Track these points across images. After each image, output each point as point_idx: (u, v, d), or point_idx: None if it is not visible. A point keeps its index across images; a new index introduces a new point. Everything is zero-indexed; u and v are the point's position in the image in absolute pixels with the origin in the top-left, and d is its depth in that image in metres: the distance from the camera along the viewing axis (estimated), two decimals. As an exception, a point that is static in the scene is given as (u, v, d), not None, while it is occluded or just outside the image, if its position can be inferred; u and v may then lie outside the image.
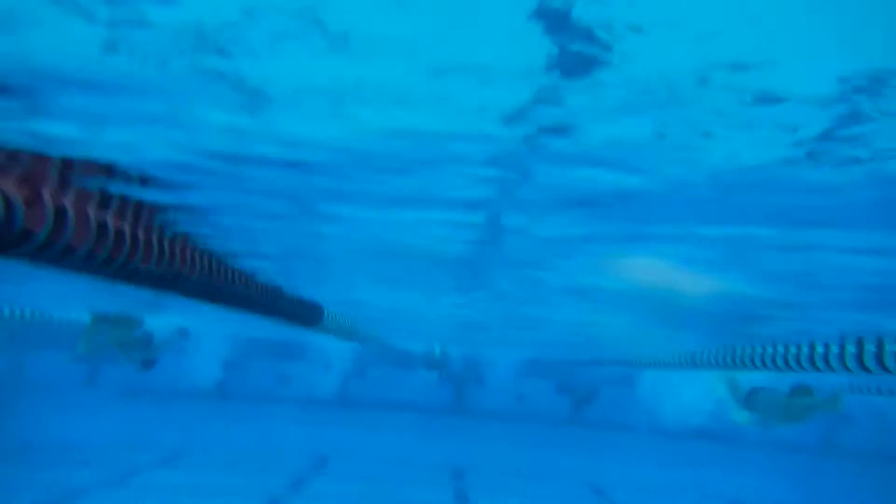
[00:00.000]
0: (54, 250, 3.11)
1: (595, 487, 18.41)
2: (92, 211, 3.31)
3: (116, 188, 3.78)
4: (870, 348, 6.67)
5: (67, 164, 3.22)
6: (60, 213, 3.04)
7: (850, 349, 6.70)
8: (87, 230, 3.30)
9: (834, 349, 6.91)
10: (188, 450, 18.46)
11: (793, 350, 7.61)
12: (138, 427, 18.39)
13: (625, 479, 18.37)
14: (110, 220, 3.51)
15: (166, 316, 14.22)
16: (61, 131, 3.16)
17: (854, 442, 19.47)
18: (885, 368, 6.30)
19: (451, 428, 20.46)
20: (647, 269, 5.80)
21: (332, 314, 9.85)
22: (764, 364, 8.37)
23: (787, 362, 7.59)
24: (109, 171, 3.57)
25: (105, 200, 3.62)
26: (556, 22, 2.21)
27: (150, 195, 4.07)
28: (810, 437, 18.61)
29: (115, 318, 12.08)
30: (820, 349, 7.11)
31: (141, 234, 3.81)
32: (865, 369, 6.68)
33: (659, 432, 19.03)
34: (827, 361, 6.96)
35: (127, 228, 3.65)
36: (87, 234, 3.32)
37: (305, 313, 8.23)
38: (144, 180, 3.76)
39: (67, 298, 12.71)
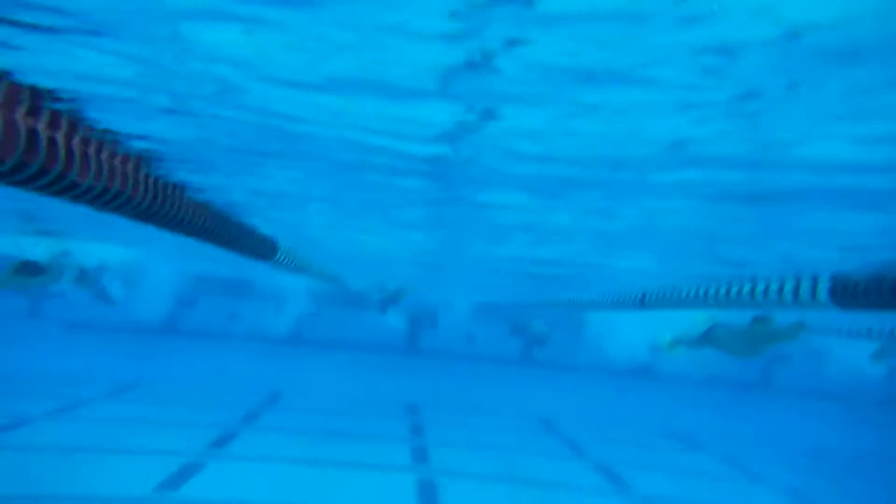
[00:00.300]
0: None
1: (544, 420, 19.07)
2: (21, 118, 3.12)
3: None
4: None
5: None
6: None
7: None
8: (15, 139, 3.11)
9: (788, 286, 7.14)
10: (137, 384, 18.33)
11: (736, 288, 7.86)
12: (84, 360, 18.13)
13: (572, 413, 19.08)
14: (42, 129, 3.31)
15: (114, 247, 13.87)
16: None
17: (789, 379, 20.54)
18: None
19: (406, 367, 20.77)
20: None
21: (286, 248, 9.73)
22: (708, 301, 8.64)
23: (731, 298, 7.83)
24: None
25: (36, 109, 3.40)
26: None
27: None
28: (749, 375, 19.57)
29: (37, 267, 11.61)
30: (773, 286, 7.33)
31: (77, 146, 3.62)
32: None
33: (605, 371, 19.69)
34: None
35: (60, 138, 3.46)
36: (15, 144, 3.13)
37: (258, 245, 8.10)
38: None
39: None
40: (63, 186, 3.75)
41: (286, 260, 9.90)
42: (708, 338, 9.51)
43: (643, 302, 11.46)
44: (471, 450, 14.66)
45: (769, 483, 14.83)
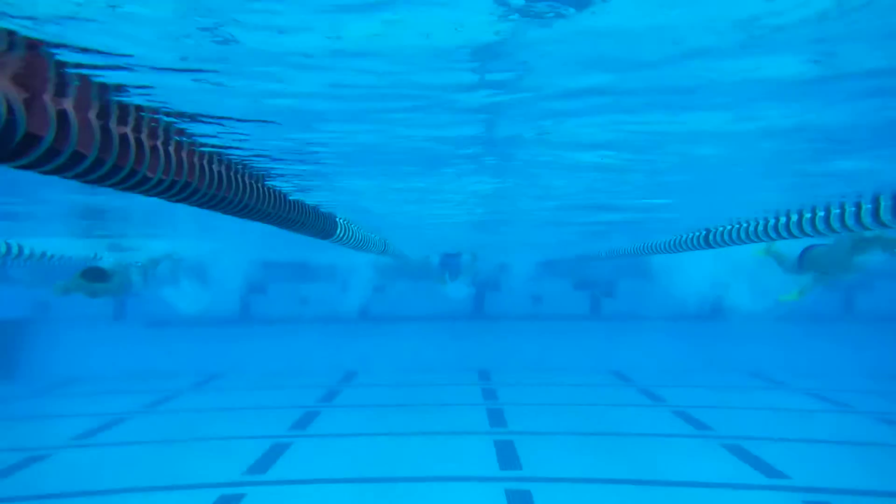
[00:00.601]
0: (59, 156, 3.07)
1: (619, 374, 18.98)
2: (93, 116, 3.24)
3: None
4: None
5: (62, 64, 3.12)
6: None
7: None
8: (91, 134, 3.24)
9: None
10: (219, 374, 19.10)
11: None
12: (168, 355, 19.02)
13: (645, 364, 18.93)
14: (112, 125, 3.44)
15: (180, 242, 14.34)
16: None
17: (873, 306, 19.73)
18: None
19: (473, 333, 20.94)
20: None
21: (346, 223, 9.86)
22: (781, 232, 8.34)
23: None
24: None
25: (105, 105, 3.53)
26: None
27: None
28: (828, 306, 18.88)
29: (100, 272, 11.71)
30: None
31: (146, 140, 3.75)
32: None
33: (676, 317, 19.37)
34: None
35: (130, 133, 3.59)
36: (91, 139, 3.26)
37: (317, 223, 8.23)
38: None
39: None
40: (136, 181, 3.90)
41: (346, 236, 10.02)
42: (803, 263, 9.06)
43: (707, 240, 11.18)
44: (546, 408, 14.74)
45: (861, 410, 14.41)
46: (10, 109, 2.47)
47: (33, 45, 2.95)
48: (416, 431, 12.42)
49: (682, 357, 19.17)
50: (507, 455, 10.74)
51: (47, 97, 2.92)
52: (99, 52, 3.15)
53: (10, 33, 2.81)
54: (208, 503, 8.60)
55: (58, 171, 3.24)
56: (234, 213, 5.85)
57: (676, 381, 17.69)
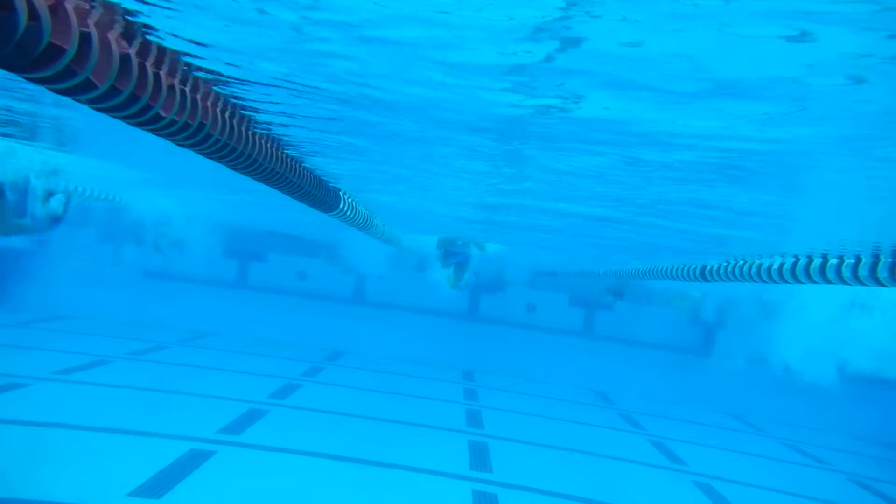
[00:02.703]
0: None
1: (599, 393, 18.98)
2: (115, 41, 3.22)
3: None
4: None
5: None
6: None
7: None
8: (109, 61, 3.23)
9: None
10: (209, 333, 19.15)
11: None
12: (160, 307, 19.12)
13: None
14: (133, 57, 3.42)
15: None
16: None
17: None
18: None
19: (465, 333, 20.98)
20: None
21: (351, 202, 9.83)
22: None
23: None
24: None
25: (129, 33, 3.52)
26: None
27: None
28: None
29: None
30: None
31: (164, 78, 3.74)
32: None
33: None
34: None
35: (149, 69, 3.58)
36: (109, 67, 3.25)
37: (321, 194, 8.18)
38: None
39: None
40: (149, 117, 3.89)
41: (350, 214, 9.98)
42: None
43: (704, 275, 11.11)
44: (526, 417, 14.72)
45: None
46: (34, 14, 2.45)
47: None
48: (393, 419, 12.42)
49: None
50: (480, 456, 10.75)
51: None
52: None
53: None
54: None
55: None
56: (241, 170, 5.84)
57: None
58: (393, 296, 21.45)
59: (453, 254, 15.83)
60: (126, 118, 3.80)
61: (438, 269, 17.45)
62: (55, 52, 2.72)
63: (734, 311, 19.13)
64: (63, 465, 7.67)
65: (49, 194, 11.38)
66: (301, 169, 7.32)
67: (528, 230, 12.54)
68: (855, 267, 6.76)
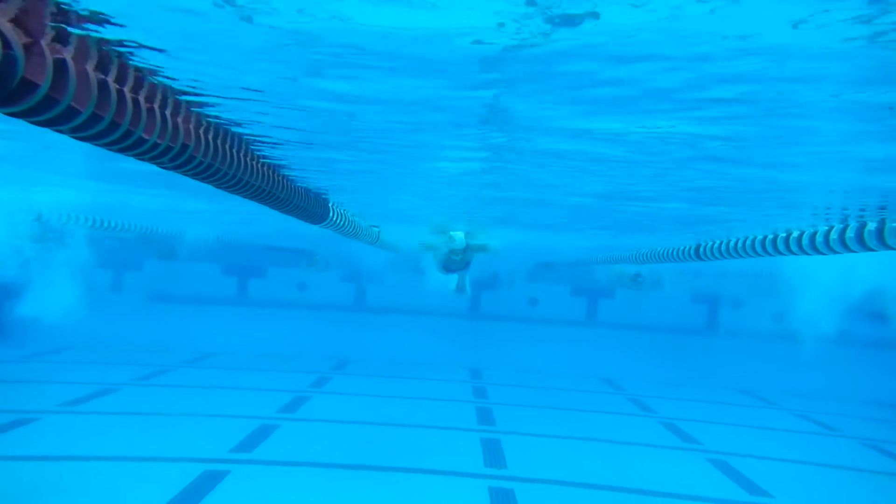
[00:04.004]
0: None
1: (607, 380, 19.00)
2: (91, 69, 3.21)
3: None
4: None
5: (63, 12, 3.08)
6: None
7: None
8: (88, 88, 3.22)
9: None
10: (213, 352, 19.11)
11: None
12: (163, 330, 19.08)
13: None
14: (111, 82, 3.41)
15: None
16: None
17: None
18: None
19: (469, 331, 20.97)
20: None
21: (339, 210, 9.81)
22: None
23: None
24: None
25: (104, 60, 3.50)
26: None
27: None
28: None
29: None
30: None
31: (143, 101, 3.72)
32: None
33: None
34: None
35: (127, 92, 3.56)
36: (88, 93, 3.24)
37: (310, 206, 8.18)
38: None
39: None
40: (131, 142, 3.88)
41: (340, 223, 9.95)
42: None
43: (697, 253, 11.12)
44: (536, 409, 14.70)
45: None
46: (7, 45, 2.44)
47: None
48: (404, 423, 12.39)
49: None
50: (493, 453, 10.73)
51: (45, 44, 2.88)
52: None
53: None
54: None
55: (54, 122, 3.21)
56: (227, 189, 5.83)
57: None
58: (393, 299, 21.42)
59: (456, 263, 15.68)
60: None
61: (439, 272, 17.43)
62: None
63: (735, 287, 19.19)
64: (78, 498, 7.64)
65: None
66: (285, 181, 7.31)
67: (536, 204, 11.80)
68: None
